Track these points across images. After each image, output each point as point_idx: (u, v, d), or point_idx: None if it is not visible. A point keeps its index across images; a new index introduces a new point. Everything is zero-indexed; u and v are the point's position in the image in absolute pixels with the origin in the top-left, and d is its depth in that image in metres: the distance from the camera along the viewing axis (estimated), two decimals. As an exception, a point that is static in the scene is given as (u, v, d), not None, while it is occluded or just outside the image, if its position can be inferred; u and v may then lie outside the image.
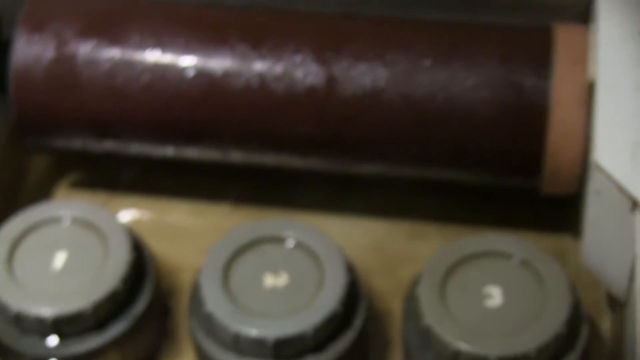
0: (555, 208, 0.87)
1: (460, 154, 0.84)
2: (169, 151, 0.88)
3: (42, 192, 0.95)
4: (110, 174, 0.95)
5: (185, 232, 0.92)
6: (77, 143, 0.89)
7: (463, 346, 0.76)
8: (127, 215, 0.93)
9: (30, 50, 0.85)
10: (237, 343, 0.78)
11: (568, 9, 0.85)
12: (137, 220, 0.93)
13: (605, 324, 0.86)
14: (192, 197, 0.94)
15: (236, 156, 0.87)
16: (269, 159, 0.87)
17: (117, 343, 0.81)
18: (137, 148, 0.88)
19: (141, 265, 0.84)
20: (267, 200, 0.93)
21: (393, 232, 0.91)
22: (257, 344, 0.77)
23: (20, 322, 0.80)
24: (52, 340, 0.80)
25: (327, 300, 0.78)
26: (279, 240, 0.82)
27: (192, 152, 0.88)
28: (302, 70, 0.83)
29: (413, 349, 0.79)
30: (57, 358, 0.80)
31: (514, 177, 0.85)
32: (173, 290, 0.89)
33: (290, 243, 0.82)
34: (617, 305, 0.82)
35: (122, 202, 0.94)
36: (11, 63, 0.86)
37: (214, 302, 0.78)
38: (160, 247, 0.90)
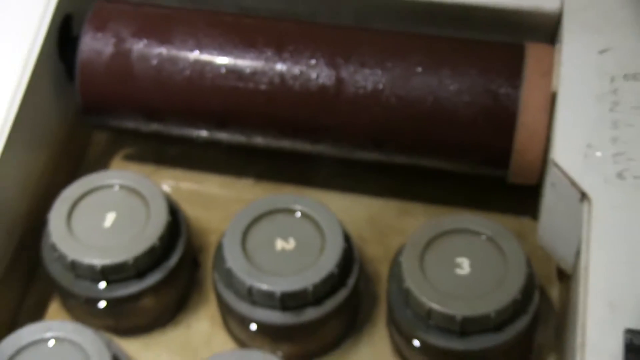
0: (519, 195, 0.88)
1: (443, 147, 0.86)
2: (203, 134, 0.89)
3: (100, 163, 0.96)
4: (157, 150, 0.97)
5: (215, 201, 0.93)
6: (130, 124, 0.91)
7: (435, 306, 0.77)
8: (169, 184, 0.94)
9: (94, 45, 0.87)
10: (250, 295, 0.80)
11: (539, 30, 0.86)
12: (176, 189, 0.94)
13: (554, 292, 0.87)
14: (222, 172, 0.95)
15: (258, 140, 0.88)
16: (285, 143, 0.88)
17: (153, 290, 0.83)
18: (177, 130, 0.90)
19: (176, 226, 0.86)
20: (282, 178, 0.94)
21: (385, 208, 0.93)
22: (267, 296, 0.79)
23: (75, 269, 0.82)
24: (101, 285, 0.82)
25: (326, 262, 0.80)
26: (290, 211, 0.84)
27: (222, 135, 0.89)
28: (315, 72, 0.84)
29: (395, 307, 0.81)
30: (104, 300, 0.82)
31: (486, 168, 0.86)
32: (202, 248, 0.91)
33: (298, 214, 0.84)
34: (565, 277, 0.84)
35: (165, 173, 0.95)
36: (78, 55, 0.87)
37: (233, 260, 0.80)
38: (194, 212, 0.92)
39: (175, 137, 0.92)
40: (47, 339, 0.77)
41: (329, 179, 0.94)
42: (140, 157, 0.97)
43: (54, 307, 0.88)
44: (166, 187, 0.93)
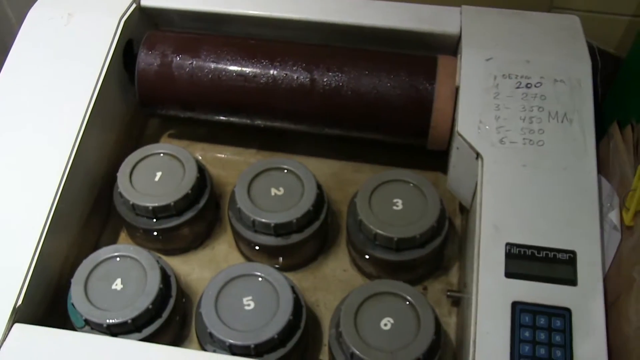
0: (434, 157, 0.86)
1: (384, 125, 0.84)
2: (221, 118, 0.87)
3: (153, 139, 0.94)
4: (191, 130, 0.95)
5: (230, 164, 0.92)
6: (172, 112, 0.88)
7: (379, 231, 0.76)
8: (199, 153, 0.92)
9: (147, 60, 0.85)
10: (253, 226, 0.78)
11: (446, 46, 0.84)
12: (204, 156, 0.92)
13: (458, 222, 0.86)
14: (235, 144, 0.93)
15: (258, 122, 0.86)
16: (277, 124, 0.86)
17: (188, 223, 0.81)
18: (204, 116, 0.88)
19: (203, 180, 0.84)
20: (276, 148, 0.93)
21: (344, 167, 0.91)
22: (265, 226, 0.78)
23: (134, 209, 0.80)
24: (152, 220, 0.80)
25: (305, 203, 0.79)
26: (280, 169, 0.82)
27: (233, 119, 0.87)
28: (296, 74, 0.82)
29: (351, 233, 0.80)
30: (155, 230, 0.80)
31: (413, 139, 0.85)
32: (222, 195, 0.89)
33: (285, 171, 0.82)
34: (465, 211, 0.83)
35: (196, 146, 0.94)
36: (137, 66, 0.85)
37: (242, 202, 0.79)
38: (216, 172, 0.90)
39: (202, 121, 0.89)
40: (116, 256, 0.76)
41: (307, 148, 0.92)
42: (179, 135, 0.95)
43: (123, 236, 0.86)
44: (197, 155, 0.91)
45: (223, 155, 0.92)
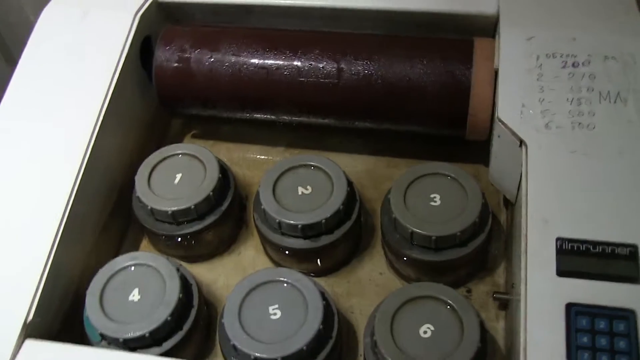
0: (475, 149, 0.78)
1: (417, 115, 0.76)
2: (244, 115, 0.81)
3: (176, 139, 0.88)
4: (215, 129, 0.88)
5: (257, 163, 0.85)
6: (193, 110, 0.82)
7: (415, 230, 0.69)
8: (223, 153, 0.85)
9: (164, 56, 0.79)
10: (279, 228, 0.71)
11: (484, 28, 0.76)
12: (229, 156, 0.85)
13: (503, 217, 0.78)
14: (261, 143, 0.86)
15: (284, 117, 0.80)
16: (303, 119, 0.79)
17: (211, 227, 0.74)
18: (226, 113, 0.81)
19: (226, 181, 0.77)
20: (305, 145, 0.85)
21: (378, 163, 0.83)
22: (292, 228, 0.71)
23: (153, 214, 0.74)
24: (173, 225, 0.74)
25: (334, 202, 0.71)
26: (307, 166, 0.75)
27: (258, 115, 0.80)
28: (322, 64, 0.75)
29: (386, 232, 0.72)
30: (176, 236, 0.74)
31: (449, 129, 0.77)
32: (248, 196, 0.82)
33: (313, 168, 0.74)
34: (510, 205, 0.74)
35: (221, 146, 0.87)
36: (154, 63, 0.79)
37: (266, 203, 0.72)
38: (242, 172, 0.84)
39: (226, 119, 0.83)
40: (133, 265, 0.69)
41: (338, 144, 0.85)
42: (203, 135, 0.88)
43: (145, 243, 0.80)
44: (221, 155, 0.84)
45: (249, 155, 0.85)
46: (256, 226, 0.74)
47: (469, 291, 0.73)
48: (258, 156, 0.85)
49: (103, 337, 0.66)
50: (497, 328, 0.70)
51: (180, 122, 0.89)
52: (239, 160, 0.85)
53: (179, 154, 0.77)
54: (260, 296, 0.66)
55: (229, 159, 0.84)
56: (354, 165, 0.83)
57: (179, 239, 0.74)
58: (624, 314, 0.57)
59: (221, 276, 0.77)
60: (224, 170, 0.77)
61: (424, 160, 0.82)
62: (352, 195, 0.74)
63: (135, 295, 0.67)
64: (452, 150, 0.81)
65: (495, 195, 0.77)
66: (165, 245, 0.77)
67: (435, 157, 0.81)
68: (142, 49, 0.81)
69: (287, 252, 0.73)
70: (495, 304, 0.72)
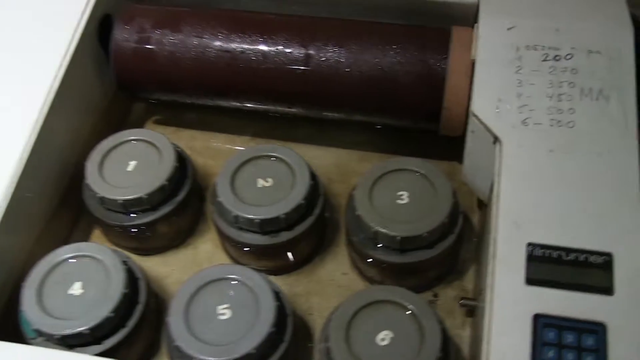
0: (449, 145, 0.73)
1: (390, 106, 0.72)
2: (207, 101, 0.76)
3: (137, 125, 0.82)
4: (179, 115, 0.83)
5: (221, 153, 0.80)
6: (154, 95, 0.78)
7: (380, 229, 0.64)
8: (186, 140, 0.81)
9: (123, 35, 0.74)
10: (236, 222, 0.67)
11: (464, 16, 0.71)
12: (192, 144, 0.80)
13: (475, 217, 0.73)
14: (227, 131, 0.82)
15: (249, 105, 0.75)
16: (270, 107, 0.75)
17: (165, 219, 0.70)
18: (189, 99, 0.77)
19: (184, 170, 0.72)
20: (272, 135, 0.81)
21: (349, 156, 0.79)
22: (249, 223, 0.66)
23: (104, 203, 0.69)
24: (124, 215, 0.69)
25: (295, 196, 0.67)
26: (268, 157, 0.70)
27: (221, 101, 0.75)
28: (289, 50, 0.71)
29: (350, 231, 0.68)
30: (127, 227, 0.69)
31: (423, 122, 0.72)
32: (210, 186, 0.76)
33: (274, 159, 0.70)
34: (483, 207, 0.69)
35: (184, 133, 0.82)
36: (111, 43, 0.74)
37: (224, 195, 0.67)
38: (204, 161, 0.79)
39: (191, 106, 0.78)
40: (77, 257, 0.65)
41: (307, 135, 0.80)
42: (166, 121, 0.83)
43: (97, 233, 0.75)
44: (184, 143, 0.79)
45: (213, 143, 0.81)
46: (213, 220, 0.70)
47: (435, 296, 0.69)
48: (222, 145, 0.81)
49: (38, 333, 0.61)
50: (463, 336, 0.66)
51: (142, 107, 0.84)
52: (202, 149, 0.80)
53: (134, 140, 0.72)
54: (210, 294, 0.62)
55: (192, 147, 0.79)
56: (324, 158, 0.78)
57: (131, 230, 0.70)
58: (594, 328, 0.53)
59: (175, 271, 0.72)
60: (181, 158, 0.72)
61: (398, 155, 0.77)
62: (315, 190, 0.69)
63: (76, 289, 0.63)
64: (429, 146, 0.77)
65: (470, 194, 0.72)
66: (117, 236, 0.72)
67: (411, 153, 0.76)
68: (102, 28, 0.76)
69: (244, 248, 0.68)
70: (463, 311, 0.67)
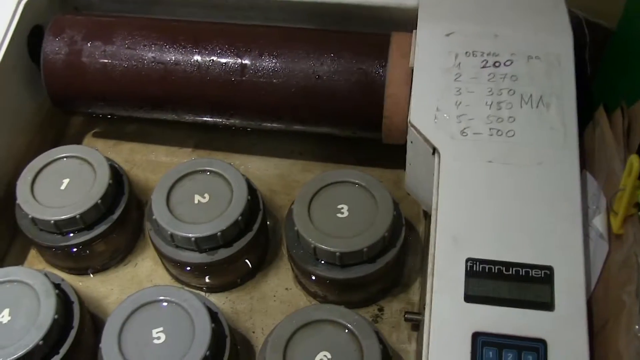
0: (395, 153, 0.70)
1: (328, 116, 0.70)
2: (143, 114, 0.73)
3: (75, 140, 0.80)
4: (118, 128, 0.80)
5: (161, 166, 0.77)
6: (89, 108, 0.75)
7: (319, 245, 0.62)
8: (125, 154, 0.78)
9: (53, 48, 0.71)
10: (173, 240, 0.64)
11: (404, 22, 0.69)
12: (131, 158, 0.78)
13: (421, 228, 0.71)
14: (167, 143, 0.79)
15: (185, 117, 0.72)
16: (207, 118, 0.72)
17: (100, 237, 0.67)
18: (124, 112, 0.74)
19: (119, 187, 0.69)
20: (214, 146, 0.78)
21: (292, 167, 0.76)
22: (185, 241, 0.64)
23: (36, 224, 0.66)
24: (58, 236, 0.66)
25: (232, 212, 0.64)
26: (205, 172, 0.67)
27: (157, 114, 0.73)
28: (224, 59, 0.68)
29: (290, 246, 0.66)
30: (61, 247, 0.66)
31: (365, 131, 0.70)
32: (149, 201, 0.73)
33: (211, 174, 0.67)
34: (428, 216, 0.67)
35: (124, 146, 0.79)
36: (41, 56, 0.71)
37: (159, 213, 0.65)
38: (144, 175, 0.77)
39: (131, 118, 0.75)
40: (5, 282, 0.61)
41: (249, 146, 0.78)
42: (105, 134, 0.80)
43: (33, 253, 0.72)
44: (124, 156, 0.77)
45: (154, 156, 0.78)
46: (150, 237, 0.67)
47: (380, 310, 0.67)
48: (163, 158, 0.78)
49: (-36, 365, 0.59)
50: (409, 350, 0.64)
51: (80, 120, 0.81)
52: (142, 162, 0.77)
53: (66, 157, 0.69)
54: (144, 318, 0.59)
55: (131, 161, 0.77)
56: (266, 168, 0.76)
57: (66, 251, 0.67)
58: (534, 345, 0.51)
59: (115, 290, 0.69)
60: (117, 174, 0.70)
61: (343, 164, 0.76)
62: (254, 205, 0.67)
63: (4, 317, 0.60)
64: (375, 154, 0.75)
65: (415, 205, 0.70)
66: (53, 256, 0.69)
67: (357, 161, 0.75)
68: (33, 40, 0.73)
69: (182, 266, 0.66)
70: (408, 325, 0.65)
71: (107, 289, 0.70)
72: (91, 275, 0.71)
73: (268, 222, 0.71)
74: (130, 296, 0.60)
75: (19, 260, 0.72)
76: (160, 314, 0.59)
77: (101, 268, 0.71)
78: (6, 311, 0.60)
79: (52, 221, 0.65)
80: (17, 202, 0.67)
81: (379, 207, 0.64)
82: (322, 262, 0.63)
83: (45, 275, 0.62)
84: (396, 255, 0.63)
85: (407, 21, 0.70)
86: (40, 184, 0.68)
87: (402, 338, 0.65)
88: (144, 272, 0.71)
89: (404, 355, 0.64)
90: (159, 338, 0.58)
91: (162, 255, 0.67)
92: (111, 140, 0.80)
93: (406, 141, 0.67)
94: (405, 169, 0.71)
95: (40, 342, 0.58)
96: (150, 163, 0.78)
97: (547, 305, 0.53)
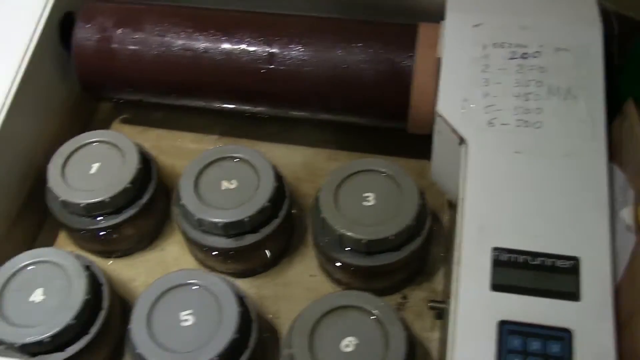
0: (420, 142, 0.70)
1: (356, 105, 0.70)
2: (171, 101, 0.74)
3: (103, 125, 0.81)
4: (145, 115, 0.81)
5: (187, 152, 0.78)
6: (118, 94, 0.76)
7: (345, 232, 0.62)
8: (152, 140, 0.79)
9: (84, 34, 0.72)
10: (200, 225, 0.65)
11: (432, 14, 0.69)
12: (158, 144, 0.79)
13: (445, 218, 0.72)
14: (194, 130, 0.80)
15: (213, 104, 0.73)
16: (234, 106, 0.73)
17: (129, 221, 0.68)
18: (153, 98, 0.74)
19: (148, 172, 0.70)
20: (240, 134, 0.79)
21: (317, 155, 0.77)
22: (213, 226, 0.65)
23: (66, 206, 0.67)
24: (87, 219, 0.67)
25: (260, 198, 0.65)
26: (232, 158, 0.68)
27: (185, 101, 0.74)
28: (252, 48, 0.69)
29: (316, 233, 0.66)
30: (91, 230, 0.67)
31: (391, 121, 0.71)
32: (175, 187, 0.74)
33: (238, 160, 0.68)
34: (452, 206, 0.68)
35: (150, 132, 0.80)
36: (73, 43, 0.72)
37: (187, 198, 0.65)
38: (171, 161, 0.77)
39: (158, 104, 0.76)
40: (38, 262, 0.63)
41: (275, 133, 0.78)
42: (133, 120, 0.81)
43: (63, 237, 0.73)
44: (151, 142, 0.78)
45: (180, 143, 0.79)
46: (177, 222, 0.68)
47: (404, 297, 0.67)
48: (189, 145, 0.79)
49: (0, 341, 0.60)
50: (432, 338, 0.65)
51: (109, 106, 0.82)
52: (168, 148, 0.78)
53: (96, 142, 0.70)
54: (173, 300, 0.60)
55: (158, 147, 0.77)
56: (292, 156, 0.77)
57: (95, 234, 0.68)
58: (560, 334, 0.52)
59: (142, 274, 0.70)
60: (145, 159, 0.70)
61: (367, 153, 0.77)
62: (280, 191, 0.67)
63: (37, 296, 0.61)
64: (399, 143, 0.75)
65: (440, 193, 0.71)
66: (81, 239, 0.70)
67: (380, 150, 0.75)
68: (64, 27, 0.74)
69: (209, 251, 0.66)
70: (432, 313, 0.66)
71: (133, 273, 0.71)
72: (118, 259, 0.72)
73: (293, 210, 0.71)
74: (159, 279, 0.61)
75: (49, 243, 0.73)
76: (188, 297, 0.60)
77: (128, 252, 0.72)
78: (39, 290, 0.61)
79: (82, 204, 0.66)
80: (48, 185, 0.68)
81: (404, 196, 0.64)
82: (348, 249, 0.64)
83: (76, 257, 0.63)
84: (422, 243, 0.64)
85: (433, 12, 0.70)
86: (70, 167, 0.69)
87: (426, 326, 0.65)
88: (170, 256, 0.72)
89: (427, 343, 0.64)
90: (187, 320, 0.59)
91: (188, 240, 0.68)
92: (138, 126, 0.80)
93: (431, 131, 0.68)
94: (428, 159, 0.72)
95: (72, 322, 0.59)
96: (177, 149, 0.78)
97: (573, 295, 0.53)
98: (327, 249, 0.65)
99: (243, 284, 0.69)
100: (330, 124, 0.75)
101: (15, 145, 0.68)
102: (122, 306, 0.67)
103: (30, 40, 0.69)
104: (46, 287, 0.62)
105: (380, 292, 0.67)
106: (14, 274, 0.62)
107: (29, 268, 0.63)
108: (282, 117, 0.75)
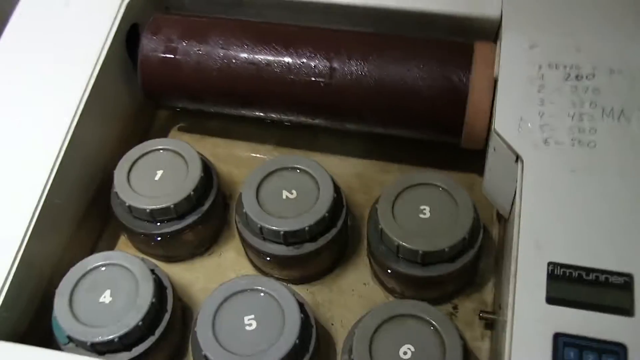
0: (469, 156, 0.74)
1: (412, 120, 0.72)
2: (232, 111, 0.76)
3: (162, 133, 0.84)
4: (203, 124, 0.84)
5: (244, 161, 0.80)
6: (179, 103, 0.78)
7: (402, 243, 0.65)
8: (210, 149, 0.81)
9: (150, 45, 0.74)
10: (261, 233, 0.68)
11: (485, 31, 0.72)
12: (215, 152, 0.81)
13: (495, 231, 0.74)
14: (250, 140, 0.82)
15: (273, 115, 0.75)
16: (293, 118, 0.75)
17: (191, 227, 0.71)
18: (214, 108, 0.77)
19: (209, 180, 0.73)
20: (295, 144, 0.81)
21: (370, 166, 0.79)
22: (273, 234, 0.67)
23: (131, 211, 0.70)
24: (151, 224, 0.70)
25: (319, 208, 0.67)
26: (292, 169, 0.70)
27: (245, 111, 0.76)
28: (313, 63, 0.71)
29: (372, 243, 0.69)
30: (154, 235, 0.70)
31: (445, 136, 0.73)
32: (233, 196, 0.78)
33: (299, 171, 0.70)
34: (503, 220, 0.70)
35: (208, 141, 0.83)
36: (139, 53, 0.75)
37: (249, 206, 0.68)
38: (228, 169, 0.80)
39: (215, 114, 0.78)
40: (106, 265, 0.66)
41: (328, 145, 0.81)
42: (190, 129, 0.84)
43: (123, 240, 0.76)
44: (207, 150, 0.80)
45: (237, 151, 0.81)
46: (237, 229, 0.71)
47: (455, 307, 0.69)
48: (245, 153, 0.81)
49: (70, 339, 0.63)
50: (482, 348, 0.67)
51: (166, 114, 0.85)
52: (225, 156, 0.81)
53: (161, 149, 0.73)
54: (236, 305, 0.63)
55: (215, 155, 0.80)
56: (344, 167, 0.79)
57: (158, 239, 0.70)
58: (614, 349, 0.53)
59: (200, 278, 0.73)
60: (207, 168, 0.73)
61: (417, 166, 0.79)
62: (338, 202, 0.70)
63: (106, 297, 0.64)
64: (448, 157, 0.77)
65: (490, 207, 0.73)
66: (143, 244, 0.73)
67: (430, 163, 0.78)
68: (129, 38, 0.77)
69: (268, 257, 0.69)
70: (481, 323, 0.68)
71: (192, 277, 0.73)
72: (177, 263, 0.74)
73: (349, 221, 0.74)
74: (223, 284, 0.64)
75: (110, 246, 0.76)
76: (252, 302, 0.63)
77: (187, 257, 0.74)
78: (107, 292, 0.64)
79: (148, 210, 0.69)
80: (114, 189, 0.70)
81: (459, 210, 0.66)
82: (403, 259, 0.66)
83: (142, 260, 0.66)
84: (474, 256, 0.66)
85: (487, 31, 0.73)
86: (135, 173, 0.72)
87: (476, 335, 0.68)
88: (228, 262, 0.74)
89: (477, 353, 0.66)
90: (250, 325, 0.62)
91: (248, 247, 0.70)
92: (195, 134, 0.83)
93: (483, 147, 0.71)
94: (477, 172, 0.75)
95: (140, 323, 0.62)
96: (234, 158, 0.81)
97: (626, 311, 0.55)
98: (383, 258, 0.67)
99: (298, 290, 0.71)
100: (381, 136, 0.77)
101: (84, 150, 0.71)
102: (183, 309, 0.70)
103: (101, 51, 0.72)
104: (114, 288, 0.64)
105: (432, 302, 0.69)
106: (84, 275, 0.65)
107: (98, 269, 0.65)
108: (336, 128, 0.77)
